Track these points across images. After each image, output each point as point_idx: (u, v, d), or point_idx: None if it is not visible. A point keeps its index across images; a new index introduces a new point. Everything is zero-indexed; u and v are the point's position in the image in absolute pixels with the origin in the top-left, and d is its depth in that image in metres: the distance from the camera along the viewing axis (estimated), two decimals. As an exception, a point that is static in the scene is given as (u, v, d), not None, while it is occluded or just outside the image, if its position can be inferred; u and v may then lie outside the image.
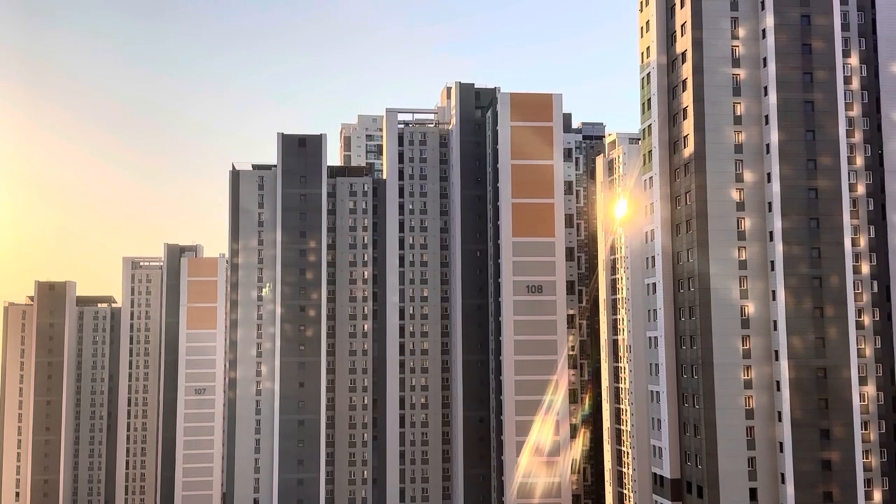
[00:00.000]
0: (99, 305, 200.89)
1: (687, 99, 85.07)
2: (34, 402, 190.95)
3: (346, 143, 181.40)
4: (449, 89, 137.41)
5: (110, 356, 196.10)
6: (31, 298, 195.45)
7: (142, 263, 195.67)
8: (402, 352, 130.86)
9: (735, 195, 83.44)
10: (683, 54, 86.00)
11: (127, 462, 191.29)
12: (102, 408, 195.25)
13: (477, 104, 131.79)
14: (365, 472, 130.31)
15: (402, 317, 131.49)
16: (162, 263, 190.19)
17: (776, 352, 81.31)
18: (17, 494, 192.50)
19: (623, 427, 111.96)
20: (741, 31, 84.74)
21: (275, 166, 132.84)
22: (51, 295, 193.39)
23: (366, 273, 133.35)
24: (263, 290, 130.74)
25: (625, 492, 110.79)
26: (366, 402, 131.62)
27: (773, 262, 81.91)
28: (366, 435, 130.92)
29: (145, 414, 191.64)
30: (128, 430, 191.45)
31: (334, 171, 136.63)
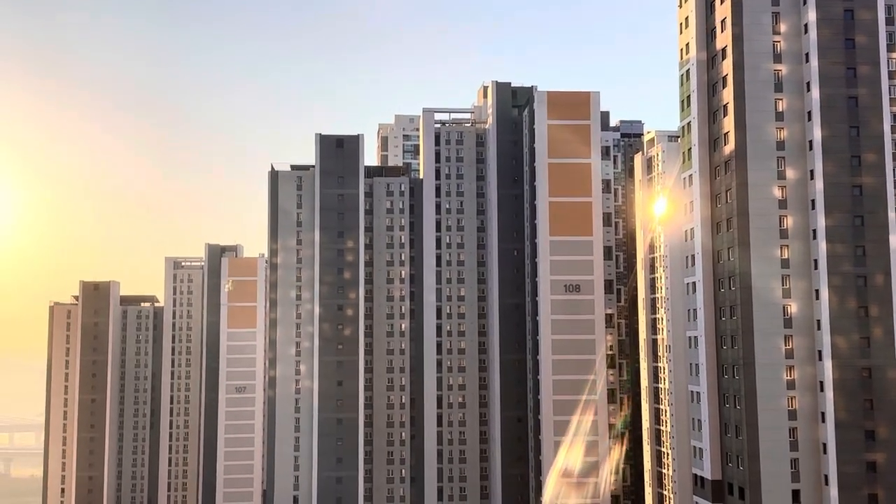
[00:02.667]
0: (142, 305, 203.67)
1: (727, 95, 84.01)
2: (79, 400, 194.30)
3: (384, 143, 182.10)
4: (486, 88, 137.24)
5: (153, 355, 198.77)
6: (76, 298, 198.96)
7: (183, 263, 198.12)
8: (439, 351, 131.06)
9: (777, 193, 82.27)
10: (723, 50, 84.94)
11: (169, 459, 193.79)
12: (145, 406, 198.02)
13: (514, 103, 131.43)
14: (403, 471, 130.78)
15: (439, 316, 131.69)
16: (203, 263, 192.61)
17: (819, 352, 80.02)
18: (63, 491, 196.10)
19: (663, 427, 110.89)
20: (782, 27, 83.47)
21: (313, 166, 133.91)
22: (95, 294, 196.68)
23: (403, 272, 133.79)
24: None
25: (665, 493, 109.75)
26: (403, 400, 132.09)
27: (816, 261, 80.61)
28: (403, 433, 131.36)
29: (187, 412, 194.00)
30: (170, 427, 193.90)
31: (371, 171, 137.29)
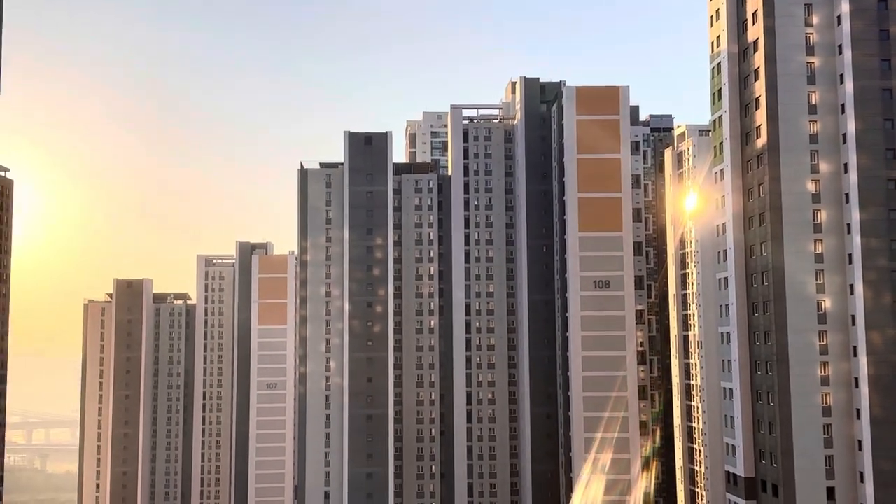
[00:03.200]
0: (174, 302, 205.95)
1: (759, 88, 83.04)
2: (113, 396, 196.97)
3: (412, 140, 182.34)
4: (514, 84, 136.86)
5: (185, 352, 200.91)
6: (110, 296, 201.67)
7: (215, 261, 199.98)
8: (468, 347, 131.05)
9: (811, 186, 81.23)
10: (755, 43, 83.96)
11: (202, 455, 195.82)
12: (178, 402, 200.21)
13: (542, 98, 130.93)
14: (433, 467, 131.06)
15: (468, 313, 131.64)
16: (234, 261, 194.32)
17: (854, 347, 78.90)
18: (98, 486, 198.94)
19: (695, 424, 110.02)
20: (815, 18, 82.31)
21: (342, 164, 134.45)
22: (129, 292, 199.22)
23: (432, 269, 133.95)
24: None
25: (697, 490, 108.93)
26: (433, 397, 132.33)
27: (850, 256, 79.48)
28: (433, 430, 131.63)
29: (219, 408, 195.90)
30: (203, 423, 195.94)
31: (400, 168, 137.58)
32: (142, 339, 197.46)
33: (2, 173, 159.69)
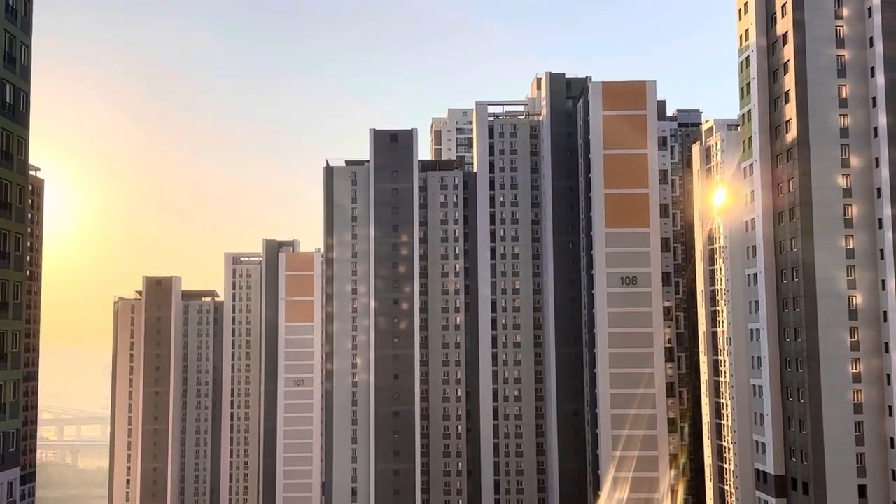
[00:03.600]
0: (203, 300, 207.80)
1: (789, 82, 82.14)
2: (143, 392, 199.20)
3: (437, 137, 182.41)
4: (539, 80, 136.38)
5: (214, 349, 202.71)
6: (140, 293, 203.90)
7: (242, 259, 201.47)
8: (494, 344, 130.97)
9: (841, 181, 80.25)
10: (784, 36, 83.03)
11: (231, 451, 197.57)
12: (207, 398, 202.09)
13: (568, 94, 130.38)
14: (459, 464, 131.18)
15: (493, 309, 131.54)
16: (261, 259, 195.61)
17: (886, 344, 77.87)
18: (128, 482, 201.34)
19: (724, 422, 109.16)
20: (845, 11, 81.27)
21: (367, 161, 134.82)
22: (158, 290, 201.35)
23: (457, 266, 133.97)
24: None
25: (726, 488, 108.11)
26: (459, 394, 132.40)
27: (882, 251, 78.39)
28: (460, 427, 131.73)
29: (247, 404, 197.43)
30: (231, 419, 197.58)
31: (425, 166, 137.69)
32: (171, 337, 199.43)
33: (32, 173, 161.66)
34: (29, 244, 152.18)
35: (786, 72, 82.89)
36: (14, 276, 54.50)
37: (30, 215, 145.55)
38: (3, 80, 53.84)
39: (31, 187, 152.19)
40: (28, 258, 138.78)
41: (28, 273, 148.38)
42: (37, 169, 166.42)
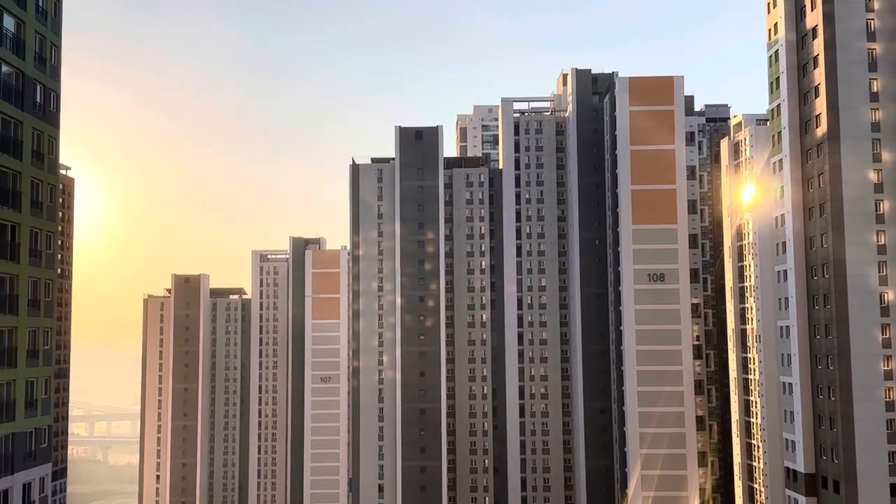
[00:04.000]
0: (230, 297, 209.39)
1: (819, 76, 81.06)
2: (172, 389, 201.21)
3: (462, 135, 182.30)
4: (565, 76, 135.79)
5: (242, 346, 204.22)
6: (169, 291, 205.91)
7: (269, 256, 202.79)
8: (520, 341, 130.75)
9: (872, 176, 79.06)
10: (814, 29, 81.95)
11: (259, 447, 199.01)
12: (235, 395, 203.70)
13: (594, 90, 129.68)
14: (486, 461, 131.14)
15: (519, 307, 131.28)
16: (288, 256, 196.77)
17: (920, 341, 76.60)
18: (158, 477, 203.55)
19: (753, 420, 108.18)
20: (876, 4, 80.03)
21: (393, 159, 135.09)
22: (186, 287, 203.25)
23: (483, 263, 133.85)
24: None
25: (755, 486, 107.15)
26: (485, 391, 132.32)
27: (915, 247, 77.12)
28: (486, 424, 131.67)
29: (275, 401, 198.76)
30: (259, 416, 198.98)
31: (451, 163, 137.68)
32: (199, 334, 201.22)
33: (62, 172, 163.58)
34: (59, 242, 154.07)
35: (815, 66, 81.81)
36: (45, 274, 55.25)
37: (60, 214, 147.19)
38: (34, 81, 54.55)
39: (61, 186, 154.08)
40: (59, 256, 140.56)
41: (59, 271, 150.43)
42: (67, 168, 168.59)
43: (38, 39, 55.37)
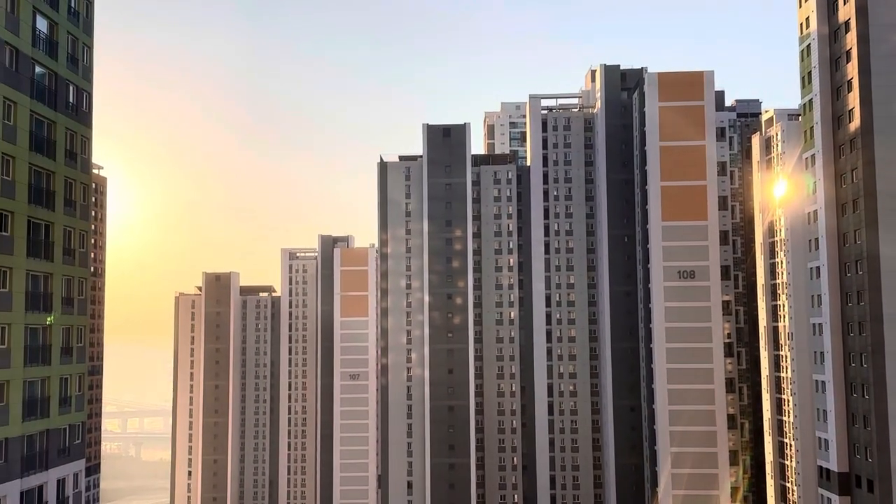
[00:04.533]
0: (260, 294, 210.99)
1: (852, 70, 79.81)
2: (204, 386, 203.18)
3: (490, 132, 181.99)
4: (593, 72, 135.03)
5: (271, 343, 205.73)
6: (200, 288, 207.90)
7: (298, 254, 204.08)
8: (548, 339, 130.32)
9: (908, 171, 77.59)
10: (847, 23, 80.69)
11: (288, 444, 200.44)
12: (265, 392, 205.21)
13: (623, 86, 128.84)
14: (514, 459, 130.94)
15: (548, 304, 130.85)
16: (317, 254, 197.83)
17: (957, 339, 75.17)
18: (189, 473, 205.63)
19: (785, 418, 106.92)
20: (912, -6, 78.52)
21: (420, 157, 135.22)
22: (217, 285, 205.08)
23: (511, 261, 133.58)
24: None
25: (788, 485, 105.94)
26: (513, 389, 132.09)
27: (952, 242, 75.68)
28: (514, 422, 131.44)
29: (304, 398, 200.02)
30: (289, 413, 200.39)
31: (478, 160, 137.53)
32: (230, 331, 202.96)
33: (95, 171, 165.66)
34: (93, 241, 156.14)
35: (848, 60, 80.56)
36: (78, 272, 56.00)
37: (93, 213, 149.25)
38: (67, 81, 55.29)
39: (94, 185, 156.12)
40: (92, 255, 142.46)
41: (92, 269, 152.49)
42: (100, 168, 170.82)
43: (71, 40, 56.11)
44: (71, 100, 55.69)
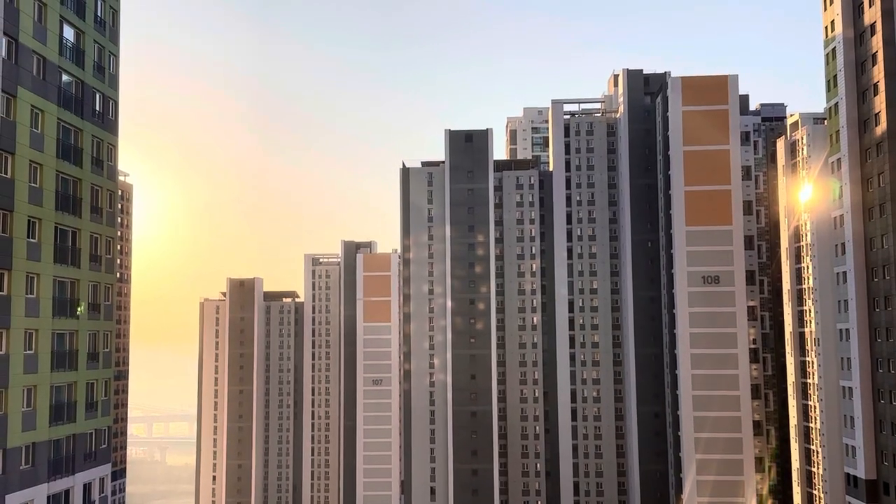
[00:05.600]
0: (284, 300, 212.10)
1: (878, 73, 78.96)
2: (228, 391, 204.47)
3: (512, 137, 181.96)
4: (616, 77, 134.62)
5: (295, 348, 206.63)
6: (224, 294, 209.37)
7: (321, 260, 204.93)
8: (572, 344, 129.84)
9: (936, 174, 76.61)
10: (872, 26, 79.89)
11: (312, 449, 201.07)
12: (289, 397, 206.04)
13: (646, 90, 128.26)
14: (538, 465, 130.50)
15: (571, 309, 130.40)
16: (339, 260, 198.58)
17: None
18: (214, 478, 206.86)
19: (812, 425, 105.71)
20: (940, -4, 77.60)
21: (442, 162, 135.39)
22: (241, 291, 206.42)
23: (534, 266, 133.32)
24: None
25: (814, 492, 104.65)
26: (536, 394, 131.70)
27: (982, 247, 74.59)
28: (537, 427, 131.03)
29: (327, 403, 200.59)
30: (312, 418, 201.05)
31: (500, 165, 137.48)
32: (254, 336, 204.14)
33: (121, 178, 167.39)
34: (119, 247, 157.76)
35: (874, 63, 79.74)
36: (105, 278, 56.61)
37: (119, 219, 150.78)
38: (93, 89, 55.99)
39: (120, 192, 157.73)
40: (118, 261, 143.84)
41: (118, 275, 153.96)
42: (125, 174, 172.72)
43: (97, 49, 56.83)
44: (97, 107, 56.38)
